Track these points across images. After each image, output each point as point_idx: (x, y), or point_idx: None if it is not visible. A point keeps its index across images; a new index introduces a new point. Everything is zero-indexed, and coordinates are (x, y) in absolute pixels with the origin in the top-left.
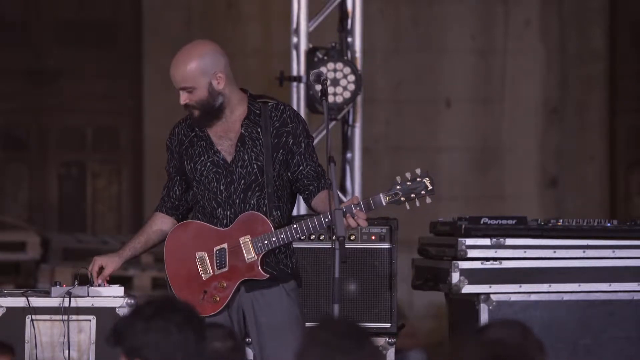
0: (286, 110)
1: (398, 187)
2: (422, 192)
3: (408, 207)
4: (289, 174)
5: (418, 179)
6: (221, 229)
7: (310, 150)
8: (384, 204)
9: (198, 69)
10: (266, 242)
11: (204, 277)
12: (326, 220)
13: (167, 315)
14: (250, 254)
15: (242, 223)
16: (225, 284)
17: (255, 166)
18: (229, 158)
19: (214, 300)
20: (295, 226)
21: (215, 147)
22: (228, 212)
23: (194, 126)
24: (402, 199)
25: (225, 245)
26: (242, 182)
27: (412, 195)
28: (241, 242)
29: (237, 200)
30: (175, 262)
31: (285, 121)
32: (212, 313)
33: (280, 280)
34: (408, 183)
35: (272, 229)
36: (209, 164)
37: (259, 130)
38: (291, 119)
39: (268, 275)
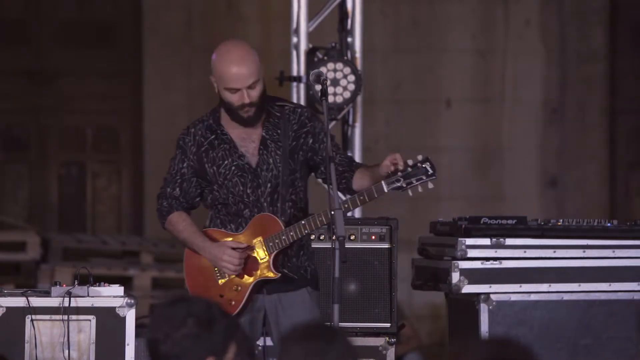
0: (303, 112)
1: (399, 173)
2: (423, 177)
3: (411, 193)
4: (322, 168)
5: (419, 164)
6: (236, 232)
7: (334, 143)
8: (386, 190)
9: (258, 61)
10: (277, 241)
11: (220, 281)
12: (332, 213)
13: (168, 313)
14: (262, 255)
15: (255, 225)
16: (239, 287)
17: (279, 169)
18: (254, 162)
19: (229, 304)
20: (303, 222)
21: (239, 151)
22: (255, 211)
23: (248, 125)
24: (404, 185)
25: (242, 246)
26: (269, 185)
27: (414, 181)
28: (254, 243)
29: (265, 204)
30: (194, 269)
31: (303, 122)
32: None
33: (301, 283)
34: (409, 169)
35: (283, 228)
36: (233, 167)
37: (279, 132)
38: (309, 119)
39: (279, 275)
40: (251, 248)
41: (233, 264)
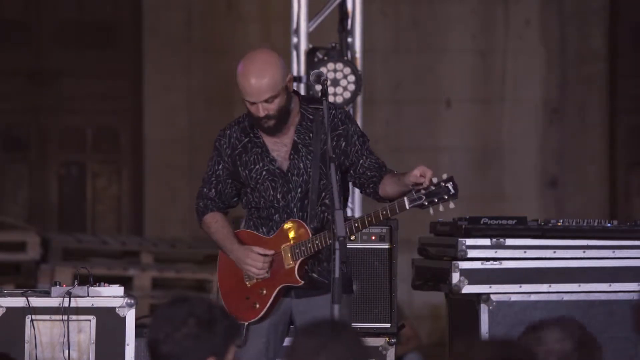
0: (337, 114)
1: (422, 191)
2: (445, 196)
3: (432, 212)
4: (351, 171)
5: (442, 184)
6: (266, 236)
7: (366, 147)
8: (407, 207)
9: (278, 74)
10: (303, 248)
11: (248, 284)
12: (370, 217)
13: (169, 313)
14: (288, 261)
15: (284, 230)
16: (265, 291)
17: (310, 174)
18: (285, 166)
19: (254, 307)
20: (327, 232)
21: (270, 155)
22: (285, 216)
23: (269, 134)
24: (426, 203)
25: (269, 253)
26: (299, 190)
27: (435, 200)
28: (282, 249)
29: (295, 209)
30: (225, 270)
31: (336, 125)
32: (253, 319)
33: (327, 288)
34: (432, 187)
35: (310, 236)
36: (264, 172)
37: (311, 136)
38: (342, 121)
39: (303, 282)
40: (278, 254)
41: (256, 267)
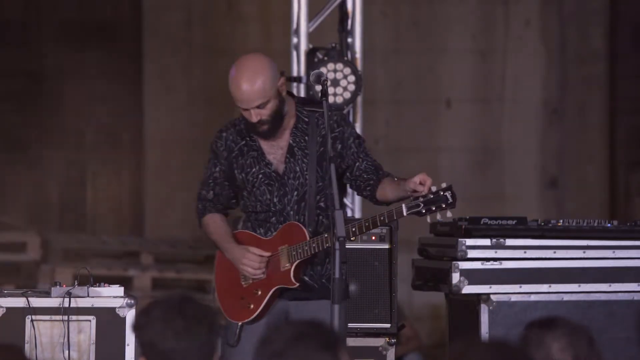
0: (333, 116)
1: (420, 199)
2: (443, 205)
3: (429, 220)
4: (347, 174)
5: (440, 192)
6: (264, 238)
7: (362, 148)
8: (405, 214)
9: (268, 80)
10: (300, 250)
11: (243, 284)
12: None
13: (170, 318)
14: (285, 263)
15: (283, 232)
16: (259, 292)
17: (306, 177)
18: (281, 169)
19: (248, 307)
20: (326, 235)
21: (266, 159)
22: (282, 219)
23: (264, 138)
24: (423, 210)
25: (265, 254)
26: (295, 193)
27: (433, 208)
28: (279, 250)
29: (292, 212)
30: (223, 270)
31: (332, 127)
32: (246, 320)
33: (322, 293)
34: (430, 196)
35: (307, 238)
36: (260, 175)
37: (306, 139)
38: (338, 123)
39: (298, 284)
40: (275, 255)
41: (252, 267)
